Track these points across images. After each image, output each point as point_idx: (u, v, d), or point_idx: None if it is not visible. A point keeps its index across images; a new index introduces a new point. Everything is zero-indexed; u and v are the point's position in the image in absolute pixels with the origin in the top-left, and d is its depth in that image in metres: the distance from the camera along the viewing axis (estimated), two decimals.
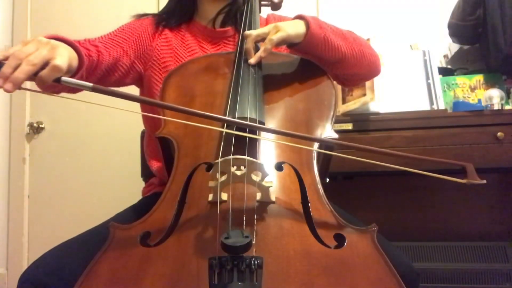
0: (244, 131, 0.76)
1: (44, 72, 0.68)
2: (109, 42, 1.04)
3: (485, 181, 0.70)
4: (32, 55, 0.67)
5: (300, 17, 0.98)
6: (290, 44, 0.98)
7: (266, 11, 1.26)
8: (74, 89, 0.94)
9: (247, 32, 0.96)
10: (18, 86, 0.65)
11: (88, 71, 0.94)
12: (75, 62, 0.79)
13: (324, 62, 1.03)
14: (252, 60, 0.94)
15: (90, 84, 0.65)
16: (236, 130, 0.77)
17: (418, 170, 0.72)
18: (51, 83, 0.69)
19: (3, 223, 2.31)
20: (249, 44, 0.95)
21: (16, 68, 0.65)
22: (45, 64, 0.68)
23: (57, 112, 2.34)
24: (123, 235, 0.70)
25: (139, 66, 1.10)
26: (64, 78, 0.68)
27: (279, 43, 0.94)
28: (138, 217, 0.74)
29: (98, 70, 0.98)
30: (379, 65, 1.11)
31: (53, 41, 0.72)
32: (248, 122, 0.79)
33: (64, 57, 0.71)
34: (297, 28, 0.95)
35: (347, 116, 1.53)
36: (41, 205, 2.32)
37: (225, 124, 0.81)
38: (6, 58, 0.66)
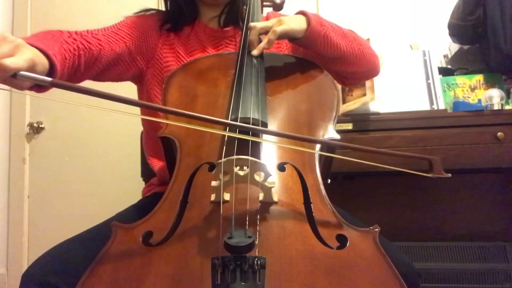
0: (247, 133, 0.76)
1: None
2: (112, 36, 1.05)
3: (449, 175, 0.71)
4: None
5: (302, 13, 1.01)
6: (292, 38, 0.99)
7: (267, 11, 1.26)
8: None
9: (251, 24, 0.98)
10: None
11: (87, 64, 0.96)
12: (40, 67, 0.73)
13: (324, 59, 1.05)
14: (255, 52, 0.96)
15: (49, 79, 0.64)
16: (239, 132, 0.77)
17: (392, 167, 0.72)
18: (8, 78, 0.64)
19: (3, 223, 2.30)
20: (253, 36, 0.97)
21: None
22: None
23: (57, 112, 2.33)
24: (125, 234, 0.70)
25: (141, 62, 1.11)
26: (21, 73, 0.64)
27: (281, 36, 0.96)
28: (139, 217, 0.73)
29: (98, 63, 1.00)
30: (378, 65, 1.14)
31: (19, 40, 0.69)
32: (250, 126, 0.77)
33: (24, 55, 0.67)
34: (298, 23, 0.97)
35: (347, 116, 1.53)
36: (41, 205, 2.32)
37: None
38: None
